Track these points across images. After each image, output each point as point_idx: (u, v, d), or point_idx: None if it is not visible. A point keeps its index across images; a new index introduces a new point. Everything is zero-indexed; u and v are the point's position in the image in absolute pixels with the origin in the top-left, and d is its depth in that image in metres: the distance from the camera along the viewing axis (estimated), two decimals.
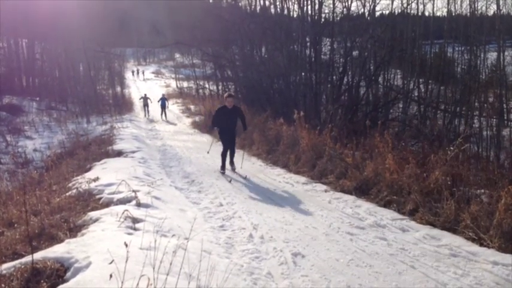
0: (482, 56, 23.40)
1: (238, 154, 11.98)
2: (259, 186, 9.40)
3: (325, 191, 8.67)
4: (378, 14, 23.31)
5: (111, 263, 3.16)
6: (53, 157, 12.65)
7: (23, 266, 4.05)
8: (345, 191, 8.44)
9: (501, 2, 22.32)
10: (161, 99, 29.71)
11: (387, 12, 24.35)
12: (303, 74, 19.87)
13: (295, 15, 23.26)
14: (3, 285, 3.79)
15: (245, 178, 10.20)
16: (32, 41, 37.28)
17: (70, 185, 8.62)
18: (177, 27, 39.26)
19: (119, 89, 40.60)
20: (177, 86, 48.66)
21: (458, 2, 30.14)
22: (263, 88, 21.18)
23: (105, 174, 8.95)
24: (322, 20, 20.71)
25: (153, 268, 3.21)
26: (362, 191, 8.20)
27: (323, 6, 20.10)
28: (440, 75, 22.52)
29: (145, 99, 30.47)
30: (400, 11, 24.42)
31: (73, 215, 6.23)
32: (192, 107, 32.99)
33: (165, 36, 48.51)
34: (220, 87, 30.40)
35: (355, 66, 18.80)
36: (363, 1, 21.14)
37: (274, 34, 21.47)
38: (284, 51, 20.72)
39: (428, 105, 21.30)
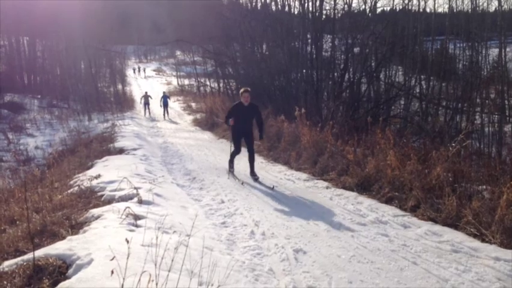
0: (483, 52, 23.33)
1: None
2: (260, 183, 9.39)
3: (327, 187, 8.67)
4: (379, 10, 23.34)
5: (112, 259, 3.16)
6: (54, 155, 12.68)
7: (25, 263, 4.06)
8: (346, 187, 8.44)
9: None
10: (163, 97, 28.80)
11: (388, 8, 24.38)
12: (304, 71, 19.83)
13: (296, 12, 23.23)
14: (5, 282, 3.80)
15: (272, 188, 8.69)
16: (33, 38, 37.30)
17: (72, 182, 8.64)
18: (178, 24, 39.27)
19: (120, 86, 40.61)
20: (178, 83, 48.71)
21: None
22: (264, 85, 21.16)
23: (106, 172, 8.96)
24: (323, 16, 20.69)
25: (155, 265, 3.21)
26: (363, 187, 8.20)
27: (324, 3, 20.08)
28: (442, 72, 22.48)
29: (145, 97, 29.49)
30: (401, 7, 24.40)
31: (75, 212, 6.24)
32: (193, 104, 32.99)
33: (166, 33, 48.51)
34: (221, 85, 30.37)
35: (357, 63, 18.76)
36: None
37: (275, 31, 21.45)
38: (285, 48, 20.69)
39: (430, 102, 21.26)
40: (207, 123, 22.77)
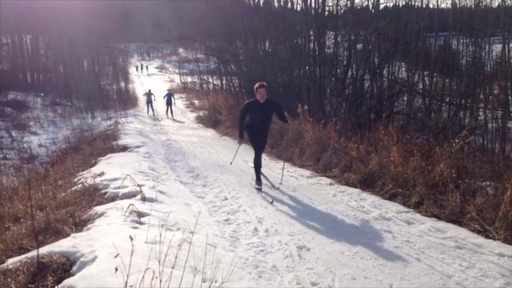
0: (487, 48, 23.28)
1: (269, 161, 11.77)
2: (263, 180, 9.39)
3: (330, 184, 8.66)
4: (382, 6, 23.25)
5: (116, 256, 3.17)
6: (58, 152, 12.71)
7: (29, 261, 4.07)
8: (349, 184, 8.42)
9: None
10: (167, 94, 28.10)
11: (391, 4, 24.32)
12: (306, 67, 19.80)
13: (298, 9, 23.17)
14: (9, 279, 3.81)
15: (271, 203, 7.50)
16: (36, 36, 37.37)
17: (75, 180, 8.66)
18: (180, 21, 39.16)
19: (123, 84, 40.64)
20: (181, 81, 48.68)
21: None
22: (267, 82, 21.08)
23: (110, 169, 8.97)
24: (326, 13, 20.63)
25: (159, 262, 3.22)
26: (367, 184, 8.19)
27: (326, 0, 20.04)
28: (445, 68, 22.43)
29: (148, 95, 28.60)
30: (404, 3, 24.36)
31: (78, 209, 6.25)
32: (196, 101, 33.01)
33: (169, 30, 48.35)
34: (224, 82, 30.33)
35: (359, 60, 18.72)
36: None
37: (278, 28, 21.40)
38: (288, 44, 20.65)
39: (433, 98, 21.22)
40: (210, 121, 22.78)
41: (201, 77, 38.69)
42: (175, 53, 66.01)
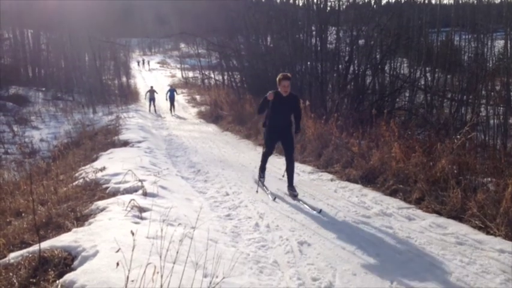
0: (489, 44, 23.18)
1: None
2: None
3: (331, 180, 8.66)
4: (384, 2, 23.25)
5: (118, 251, 3.17)
6: (59, 147, 12.72)
7: (30, 255, 4.08)
8: (351, 180, 8.43)
9: None
10: (169, 90, 27.66)
11: (393, 0, 24.20)
12: (308, 63, 19.76)
13: (300, 4, 23.16)
14: (11, 274, 3.82)
15: (320, 212, 6.53)
16: (37, 31, 37.33)
17: (77, 174, 8.67)
18: (181, 16, 39.10)
19: (124, 79, 40.63)
20: (182, 76, 48.62)
21: None
22: (268, 78, 21.05)
23: (111, 164, 8.98)
24: (328, 8, 20.56)
25: (160, 257, 3.22)
26: (368, 180, 8.19)
27: None
28: (447, 64, 22.34)
29: (151, 92, 27.66)
30: None
31: (80, 204, 6.26)
32: (197, 97, 32.99)
33: (170, 25, 48.32)
34: (225, 77, 30.30)
35: (361, 55, 18.67)
36: None
37: (280, 23, 21.36)
38: (290, 40, 20.62)
39: (435, 94, 21.15)
40: (211, 116, 22.79)
41: (203, 72, 38.62)
42: (177, 48, 65.97)
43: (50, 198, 6.64)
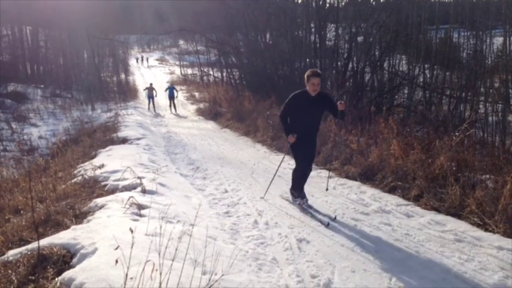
0: (488, 41, 23.19)
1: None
2: (264, 172, 9.40)
3: (330, 177, 8.66)
4: None
5: (116, 248, 3.18)
6: (58, 144, 12.71)
7: (29, 253, 4.08)
8: (349, 177, 8.44)
9: None
10: (169, 88, 26.79)
11: None
12: (307, 60, 19.77)
13: (299, 1, 23.15)
14: (10, 271, 3.83)
15: (334, 219, 5.98)
16: (36, 28, 37.25)
17: (75, 172, 8.66)
18: (180, 13, 39.04)
19: (123, 76, 40.58)
20: (181, 73, 48.56)
21: None
22: (268, 74, 21.11)
23: (110, 161, 8.98)
24: (327, 5, 20.59)
25: (159, 254, 3.23)
26: (367, 177, 8.20)
27: None
28: (446, 61, 22.36)
29: (150, 89, 26.44)
30: None
31: (79, 201, 6.26)
32: (196, 94, 32.95)
33: (169, 22, 48.21)
34: (224, 74, 30.27)
35: (360, 52, 18.69)
36: None
37: (279, 20, 21.35)
38: (289, 37, 20.62)
39: (434, 91, 21.18)
40: (210, 113, 22.77)
41: (202, 69, 38.57)
42: (176, 45, 65.82)
43: (48, 196, 6.63)
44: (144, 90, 28.18)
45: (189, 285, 3.42)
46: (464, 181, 6.45)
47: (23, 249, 4.25)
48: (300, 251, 4.96)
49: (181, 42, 59.55)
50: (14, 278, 3.70)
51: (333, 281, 4.26)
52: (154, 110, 26.10)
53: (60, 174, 8.77)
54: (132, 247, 3.09)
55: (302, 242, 5.24)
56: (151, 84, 27.20)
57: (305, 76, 6.45)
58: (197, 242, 4.44)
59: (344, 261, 4.68)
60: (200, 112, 24.65)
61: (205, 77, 37.53)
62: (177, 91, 27.44)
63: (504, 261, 4.53)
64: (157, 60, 69.67)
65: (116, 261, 2.89)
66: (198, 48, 41.34)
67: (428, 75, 22.21)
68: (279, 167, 7.74)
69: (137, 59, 63.67)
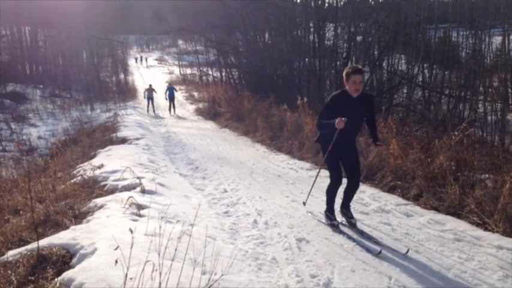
0: (487, 40, 23.19)
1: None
2: (263, 172, 9.40)
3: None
4: None
5: (116, 249, 3.18)
6: (57, 144, 12.72)
7: (29, 253, 4.08)
8: None
9: None
10: (168, 89, 25.81)
11: None
12: (306, 59, 19.77)
13: (298, 1, 23.12)
14: (9, 271, 3.82)
15: (406, 254, 4.81)
16: (35, 28, 37.20)
17: (75, 172, 8.66)
18: (179, 13, 39.08)
19: (122, 76, 40.56)
20: (180, 72, 48.55)
21: None
22: (266, 74, 21.11)
23: (109, 161, 8.98)
24: (326, 5, 20.60)
25: (158, 254, 3.22)
26: (366, 176, 8.18)
27: None
28: (445, 60, 22.34)
29: (149, 91, 25.58)
30: None
31: (78, 201, 6.26)
32: (195, 93, 32.93)
33: (168, 22, 48.29)
34: (223, 74, 30.26)
35: (359, 52, 18.70)
36: None
37: (278, 20, 21.34)
38: (288, 36, 20.61)
39: (433, 90, 21.17)
40: (209, 113, 22.77)
41: (201, 69, 38.54)
42: (175, 44, 65.89)
43: (48, 196, 6.63)
44: (144, 92, 26.93)
45: (189, 285, 3.42)
46: (464, 180, 6.46)
47: (22, 249, 4.24)
48: (299, 251, 4.96)
49: (180, 42, 59.60)
50: (13, 279, 3.70)
51: (332, 280, 4.26)
52: (154, 112, 25.39)
53: (60, 175, 8.77)
54: (131, 247, 3.09)
55: (302, 241, 5.24)
56: (150, 85, 26.47)
57: (344, 74, 5.45)
58: (197, 242, 4.44)
59: (344, 261, 4.68)
60: (199, 112, 24.64)
61: (204, 77, 37.52)
62: (176, 91, 26.81)
63: (503, 260, 4.53)
64: (156, 60, 69.61)
65: (116, 262, 2.88)
66: (197, 48, 41.36)
67: (427, 75, 22.20)
68: (316, 179, 6.51)
69: (136, 59, 63.62)
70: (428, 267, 4.48)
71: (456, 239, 5.12)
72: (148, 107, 25.71)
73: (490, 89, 19.85)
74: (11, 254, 4.18)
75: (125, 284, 2.95)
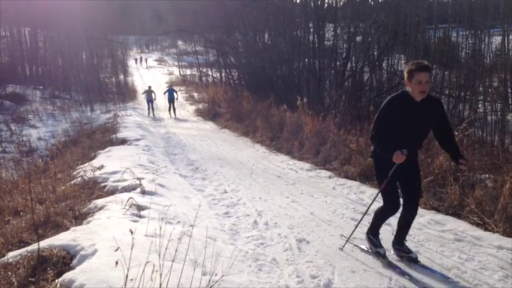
0: (486, 40, 23.18)
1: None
2: (263, 173, 9.40)
3: (329, 177, 8.67)
4: None
5: (116, 250, 3.18)
6: (57, 145, 12.71)
7: (29, 254, 4.08)
8: (349, 177, 8.43)
9: None
10: (168, 90, 25.04)
11: None
12: (306, 60, 19.79)
13: (298, 1, 23.17)
14: (9, 273, 3.82)
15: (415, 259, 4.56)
16: (34, 29, 37.18)
17: (75, 173, 8.66)
18: (179, 13, 39.07)
19: (122, 77, 40.55)
20: (180, 73, 48.56)
21: None
22: (266, 75, 21.12)
23: (109, 162, 8.98)
24: (325, 5, 20.63)
25: (159, 255, 3.22)
26: (366, 176, 8.19)
27: None
28: (445, 60, 22.35)
29: (149, 93, 24.59)
30: None
31: (78, 203, 6.26)
32: (195, 94, 32.92)
33: (168, 23, 48.32)
34: (223, 74, 30.27)
35: (359, 52, 18.71)
36: None
37: (277, 20, 21.36)
38: (287, 37, 20.62)
39: (433, 90, 21.17)
40: (209, 113, 22.77)
41: (200, 69, 38.57)
42: (175, 45, 65.85)
43: (48, 197, 6.63)
44: (143, 93, 26.34)
45: (189, 286, 3.42)
46: (464, 181, 6.46)
47: (22, 250, 4.24)
48: (299, 252, 4.96)
49: (180, 42, 59.57)
50: (14, 280, 3.70)
51: (333, 281, 4.26)
52: (154, 115, 24.44)
53: (60, 176, 8.77)
54: (132, 248, 3.09)
55: (302, 242, 5.24)
56: (149, 87, 25.57)
57: (405, 72, 4.27)
58: (197, 242, 4.44)
59: (344, 262, 4.68)
60: (199, 113, 24.63)
61: (204, 78, 37.55)
62: (176, 93, 25.72)
63: (504, 260, 4.53)
64: (156, 60, 69.60)
65: (116, 263, 2.88)
66: (197, 48, 41.37)
67: None
68: (371, 205, 5.25)
69: (136, 60, 63.63)
70: (429, 268, 4.47)
71: (456, 239, 5.12)
72: (148, 110, 24.74)
73: (489, 89, 19.86)
74: (12, 255, 4.18)
75: (125, 285, 2.95)
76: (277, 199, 7.20)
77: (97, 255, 3.94)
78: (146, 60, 64.87)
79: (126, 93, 33.65)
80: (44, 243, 4.28)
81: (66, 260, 4.02)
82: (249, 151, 12.27)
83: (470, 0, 24.98)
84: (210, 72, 34.75)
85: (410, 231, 5.34)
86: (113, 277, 3.45)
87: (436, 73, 22.82)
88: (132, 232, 3.02)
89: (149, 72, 53.70)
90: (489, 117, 17.66)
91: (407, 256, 4.59)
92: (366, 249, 4.94)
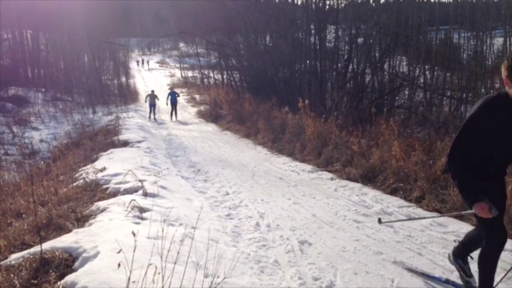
0: (488, 41, 23.22)
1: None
2: (265, 174, 9.40)
3: (331, 179, 8.67)
4: (382, 0, 23.20)
5: (119, 252, 3.18)
6: (59, 148, 12.71)
7: (31, 256, 4.08)
8: (351, 178, 8.43)
9: None
10: (170, 93, 24.32)
11: None
12: (307, 62, 19.78)
13: (299, 3, 23.17)
14: (12, 275, 3.82)
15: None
16: (36, 32, 37.24)
17: (77, 175, 8.67)
18: (180, 16, 39.09)
19: (124, 79, 40.52)
20: (181, 75, 48.57)
21: None
22: (268, 77, 21.13)
23: (111, 164, 8.99)
24: (327, 7, 20.59)
25: (161, 257, 3.22)
26: (368, 178, 8.19)
27: None
28: (446, 62, 22.36)
29: (152, 97, 23.78)
30: None
31: (80, 205, 6.27)
32: (197, 96, 32.92)
33: (169, 25, 48.32)
34: (225, 76, 30.28)
35: (360, 54, 18.69)
36: None
37: (279, 22, 21.38)
38: (288, 39, 20.63)
39: (434, 92, 21.18)
40: (211, 115, 22.78)
41: (202, 71, 38.58)
42: (176, 47, 65.78)
43: (50, 199, 6.64)
44: (146, 97, 25.19)
45: None
46: None
47: (25, 253, 4.25)
48: (302, 253, 4.96)
49: (181, 44, 59.52)
50: (16, 282, 3.70)
51: (335, 283, 4.25)
52: (155, 119, 23.55)
53: (62, 178, 8.78)
54: (134, 250, 3.09)
55: (304, 244, 5.24)
56: (153, 91, 24.74)
57: (504, 68, 3.29)
58: (199, 244, 4.45)
59: (346, 264, 4.68)
60: (201, 114, 24.64)
61: (205, 80, 37.55)
62: (178, 96, 25.18)
63: (505, 262, 4.52)
64: (157, 63, 69.68)
65: (119, 265, 2.89)
66: (199, 50, 41.35)
67: (428, 76, 22.21)
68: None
69: (138, 62, 63.71)
70: (431, 270, 4.46)
71: (458, 241, 5.10)
72: (150, 114, 23.65)
73: (491, 91, 19.84)
74: (14, 257, 4.18)
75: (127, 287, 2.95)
76: (279, 201, 7.20)
77: (99, 257, 3.94)
78: (148, 63, 64.96)
79: (127, 96, 33.65)
80: (46, 245, 4.28)
81: (68, 262, 4.02)
82: (250, 153, 12.27)
83: (472, 2, 25.00)
84: (211, 74, 34.76)
85: (412, 234, 5.37)
86: (115, 279, 3.45)
87: (437, 75, 22.86)
88: (134, 234, 3.03)
89: (151, 75, 53.76)
90: None
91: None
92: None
